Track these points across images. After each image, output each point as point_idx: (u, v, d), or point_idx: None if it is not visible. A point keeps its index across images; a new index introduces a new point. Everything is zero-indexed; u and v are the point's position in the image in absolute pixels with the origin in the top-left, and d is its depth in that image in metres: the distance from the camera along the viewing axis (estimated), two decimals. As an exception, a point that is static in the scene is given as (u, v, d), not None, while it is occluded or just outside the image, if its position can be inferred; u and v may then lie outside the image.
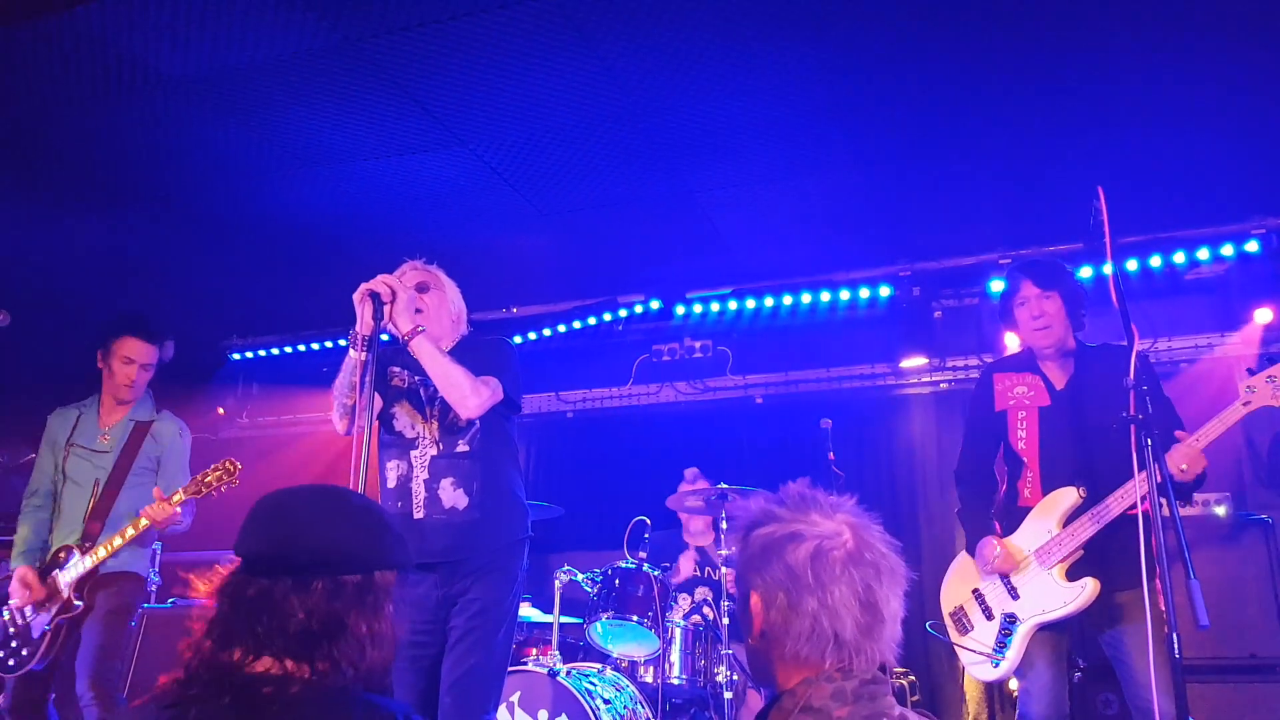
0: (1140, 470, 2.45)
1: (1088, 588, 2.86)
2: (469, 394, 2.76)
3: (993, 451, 3.23)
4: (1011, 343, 5.40)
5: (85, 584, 3.59)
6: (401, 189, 4.72)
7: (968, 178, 4.59)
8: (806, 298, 5.74)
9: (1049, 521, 2.98)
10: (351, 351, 2.70)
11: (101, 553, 3.56)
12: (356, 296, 2.65)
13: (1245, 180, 4.58)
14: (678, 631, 4.20)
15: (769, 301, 5.83)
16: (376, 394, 2.87)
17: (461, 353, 2.92)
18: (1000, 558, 2.99)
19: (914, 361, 5.58)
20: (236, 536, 1.53)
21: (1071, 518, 2.95)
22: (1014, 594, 2.99)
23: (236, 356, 7.01)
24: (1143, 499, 2.45)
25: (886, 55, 3.64)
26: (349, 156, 4.42)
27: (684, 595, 4.56)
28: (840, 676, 1.41)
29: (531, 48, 3.58)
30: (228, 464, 3.48)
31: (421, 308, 2.89)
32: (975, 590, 3.10)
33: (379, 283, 2.67)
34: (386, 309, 2.65)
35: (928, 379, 5.67)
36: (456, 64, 3.68)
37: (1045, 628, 2.93)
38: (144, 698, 1.45)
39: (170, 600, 5.27)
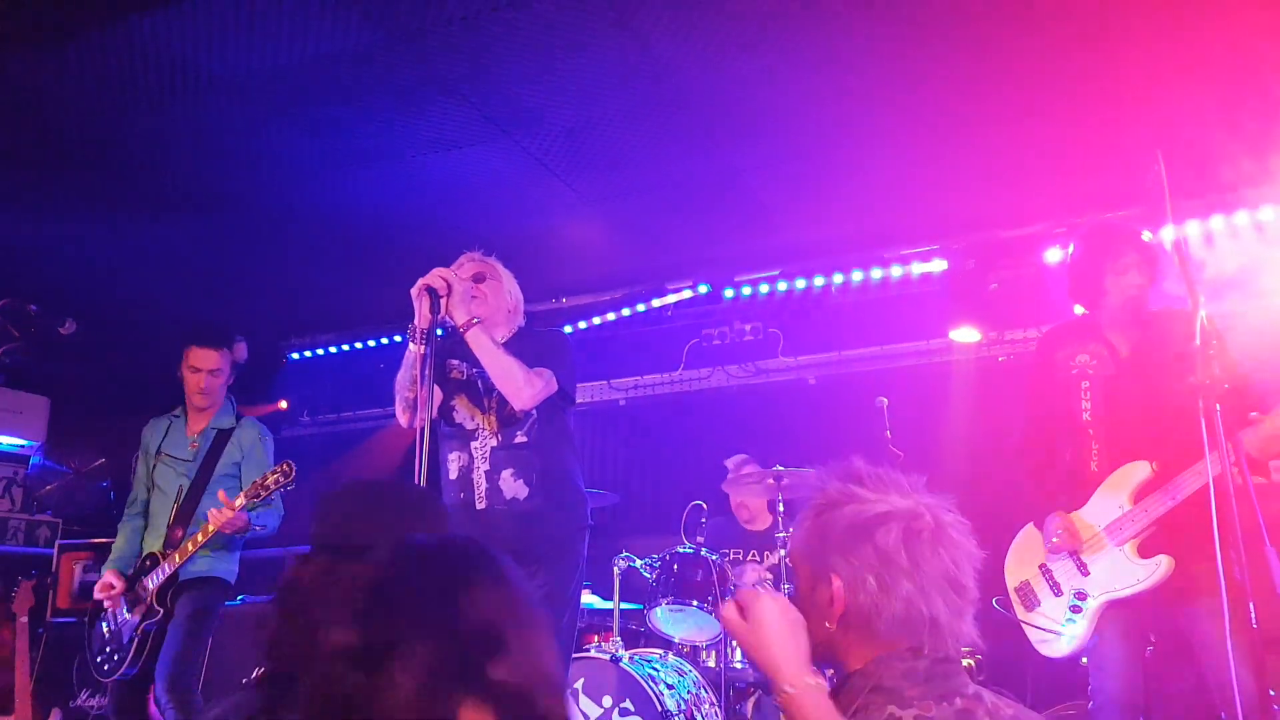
0: (1209, 438, 2.39)
1: (1162, 565, 2.79)
2: (523, 385, 2.79)
3: (1056, 423, 3.14)
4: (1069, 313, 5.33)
5: (168, 590, 3.69)
6: (449, 183, 4.76)
7: (1019, 146, 4.48)
8: (857, 275, 5.66)
9: (1120, 496, 2.90)
10: (411, 345, 2.75)
11: (178, 558, 3.65)
12: (414, 291, 2.69)
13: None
14: (739, 614, 4.19)
15: (819, 281, 5.77)
16: (436, 386, 2.93)
17: (518, 343, 2.95)
18: (1064, 536, 2.93)
19: (970, 335, 5.49)
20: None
21: (1143, 492, 2.88)
22: (1084, 570, 2.93)
23: (295, 356, 7.14)
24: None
25: (934, 26, 3.56)
26: (397, 154, 4.47)
27: (746, 573, 4.55)
28: (911, 656, 1.39)
29: (573, 37, 3.58)
30: (284, 466, 3.51)
31: (477, 296, 2.92)
32: (1042, 565, 3.04)
33: (435, 276, 2.71)
34: (443, 302, 2.69)
35: (985, 352, 5.57)
36: (500, 57, 3.70)
37: (1116, 604, 2.87)
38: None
39: (240, 597, 5.41)
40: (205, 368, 3.89)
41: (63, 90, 3.91)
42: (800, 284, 5.81)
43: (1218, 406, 2.37)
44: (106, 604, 3.78)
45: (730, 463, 5.04)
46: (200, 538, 3.61)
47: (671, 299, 6.08)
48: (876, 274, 5.62)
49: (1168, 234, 2.98)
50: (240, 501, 3.53)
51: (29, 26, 3.52)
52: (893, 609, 1.39)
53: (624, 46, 3.65)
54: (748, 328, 6.12)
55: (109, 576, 3.78)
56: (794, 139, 4.38)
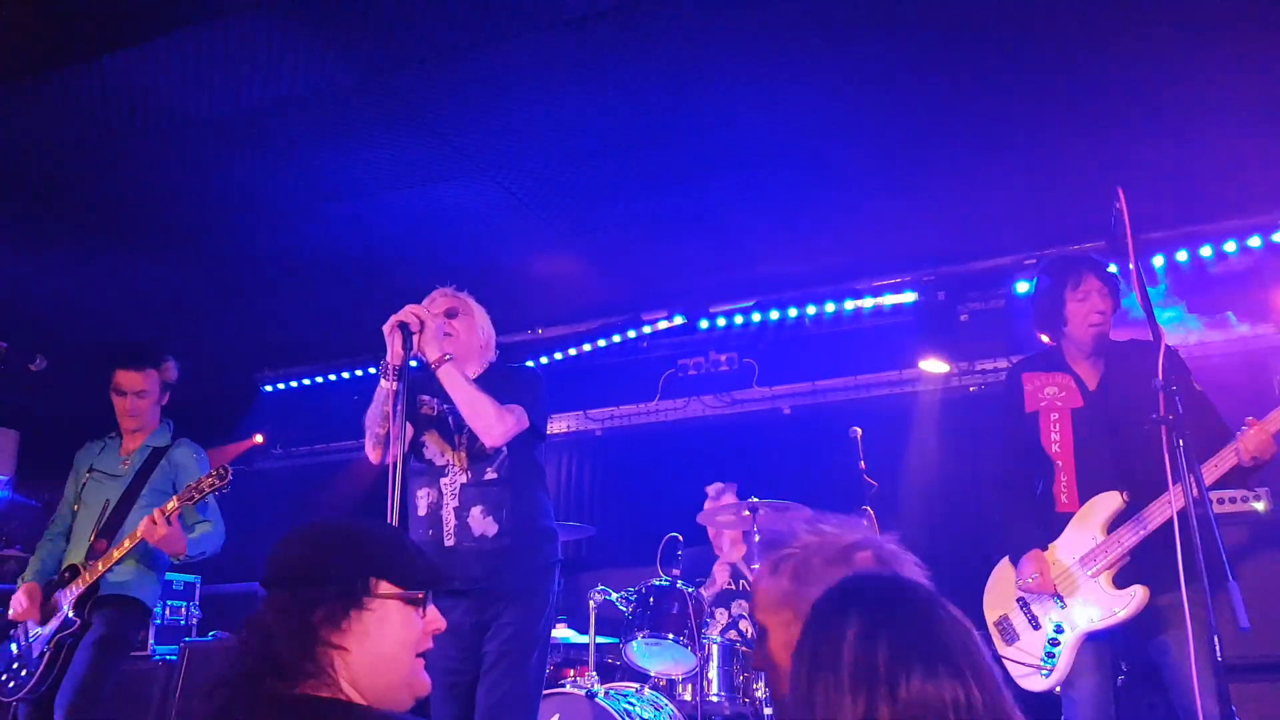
0: (1172, 471, 2.42)
1: (1137, 596, 2.81)
2: (494, 422, 2.79)
3: (1027, 454, 3.14)
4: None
5: (86, 602, 3.53)
6: (426, 218, 4.79)
7: (989, 181, 4.57)
8: (831, 306, 5.73)
9: (1092, 528, 2.92)
10: (383, 381, 2.75)
11: (100, 567, 3.51)
12: (386, 328, 2.69)
13: (1271, 172, 4.54)
14: (714, 648, 4.19)
15: (793, 312, 5.83)
16: (408, 422, 2.92)
17: (489, 379, 2.95)
18: (1039, 580, 2.93)
19: (941, 366, 5.55)
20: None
21: (1115, 523, 2.91)
22: (1061, 603, 2.95)
23: (269, 388, 7.11)
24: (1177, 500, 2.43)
25: (903, 64, 3.64)
26: (374, 189, 4.49)
27: (720, 610, 4.54)
28: None
29: (551, 75, 3.63)
30: (219, 469, 3.43)
31: (450, 332, 2.93)
32: (1020, 599, 3.05)
33: (407, 313, 2.71)
34: (415, 338, 2.69)
35: (956, 383, 5.63)
36: (476, 93, 3.74)
37: (1092, 636, 2.89)
38: None
39: (211, 633, 5.35)
40: (131, 389, 3.79)
41: (35, 128, 3.91)
42: (775, 315, 5.87)
43: (1180, 442, 2.41)
44: (14, 612, 3.59)
45: (711, 489, 5.06)
46: (127, 543, 3.47)
47: (647, 329, 6.12)
48: (849, 305, 5.69)
49: (1130, 267, 3.04)
50: (171, 505, 3.41)
51: (1, 65, 3.53)
52: None
53: (602, 85, 3.70)
54: (723, 358, 6.16)
55: (23, 590, 3.61)
56: (767, 172, 4.44)
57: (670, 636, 4.07)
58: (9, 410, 6.34)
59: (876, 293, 5.61)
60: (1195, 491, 2.36)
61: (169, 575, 5.41)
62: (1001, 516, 3.16)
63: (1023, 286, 5.27)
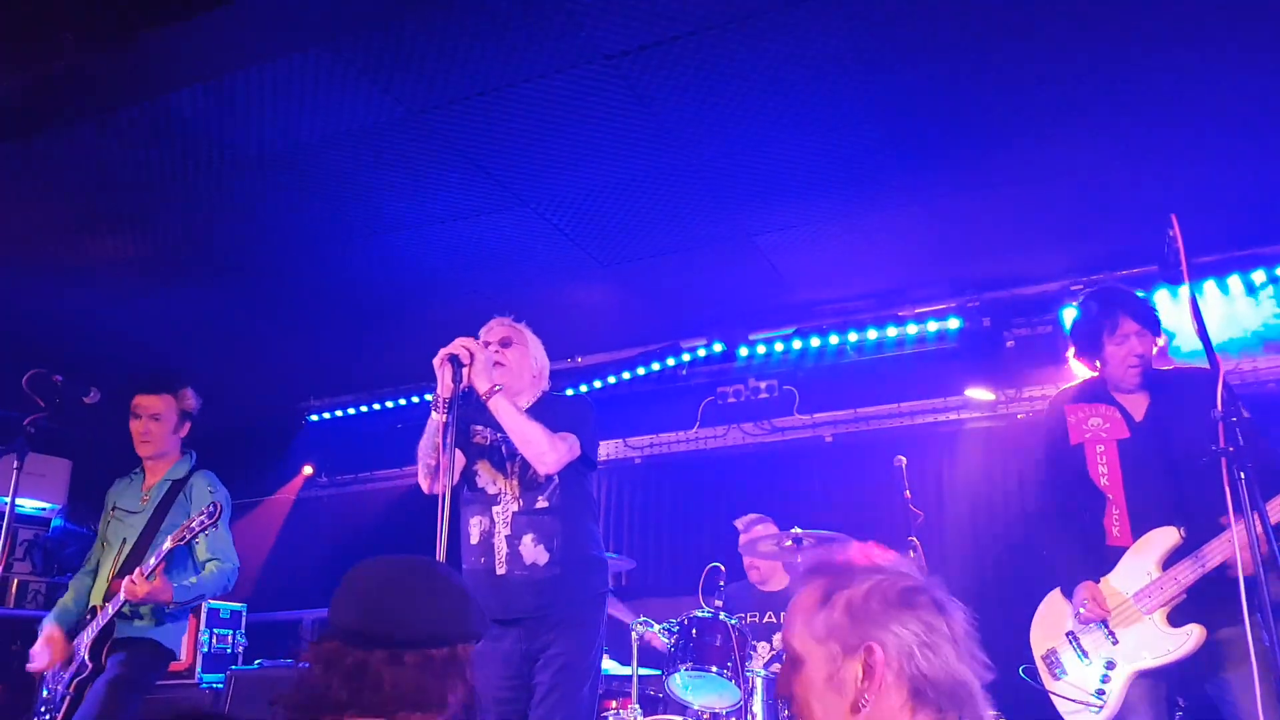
0: (1234, 504, 2.36)
1: (1193, 636, 2.73)
2: (546, 450, 2.81)
3: (1075, 486, 3.08)
4: (1078, 370, 5.29)
5: (101, 646, 3.49)
6: (469, 250, 4.85)
7: (1035, 205, 4.52)
8: (873, 333, 5.68)
9: (1147, 563, 2.86)
10: (434, 414, 2.77)
11: (110, 610, 3.46)
12: (436, 361, 2.72)
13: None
14: (759, 681, 4.13)
15: (834, 339, 5.78)
16: (459, 452, 2.95)
17: (541, 409, 2.98)
18: (1091, 606, 2.87)
19: (987, 394, 5.48)
20: (331, 603, 1.61)
21: (1171, 559, 2.84)
22: (1114, 639, 2.88)
23: (314, 418, 7.19)
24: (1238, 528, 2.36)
25: (945, 89, 3.62)
26: (418, 222, 4.57)
27: (763, 643, 4.49)
28: None
29: (588, 109, 3.67)
30: (207, 507, 3.40)
31: (503, 361, 2.96)
32: (1070, 633, 2.99)
33: (457, 345, 2.75)
34: (465, 371, 2.72)
35: (1003, 410, 5.55)
36: (516, 128, 3.80)
37: (1145, 673, 2.82)
38: None
39: (257, 661, 5.39)
40: (145, 413, 3.78)
41: (94, 164, 4.05)
42: (815, 342, 5.82)
43: (1242, 475, 2.35)
44: (38, 660, 3.57)
45: (740, 523, 4.97)
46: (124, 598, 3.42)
47: (686, 357, 6.11)
48: (892, 332, 5.63)
49: (1184, 294, 2.98)
50: (152, 562, 3.36)
51: (63, 104, 3.65)
52: (937, 676, 1.38)
53: (638, 117, 3.74)
54: (763, 385, 6.12)
55: (43, 639, 3.59)
56: (807, 198, 4.44)
57: (714, 669, 4.02)
58: (62, 440, 6.47)
59: (920, 319, 5.55)
60: (1259, 527, 2.30)
61: (213, 604, 5.49)
62: (1051, 548, 3.11)
63: (1070, 313, 5.19)
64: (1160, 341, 3.06)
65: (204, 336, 5.85)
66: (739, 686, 4.00)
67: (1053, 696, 2.96)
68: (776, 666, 4.22)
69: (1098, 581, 2.94)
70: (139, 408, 3.82)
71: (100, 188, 4.22)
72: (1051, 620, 3.08)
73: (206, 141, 3.87)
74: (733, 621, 4.13)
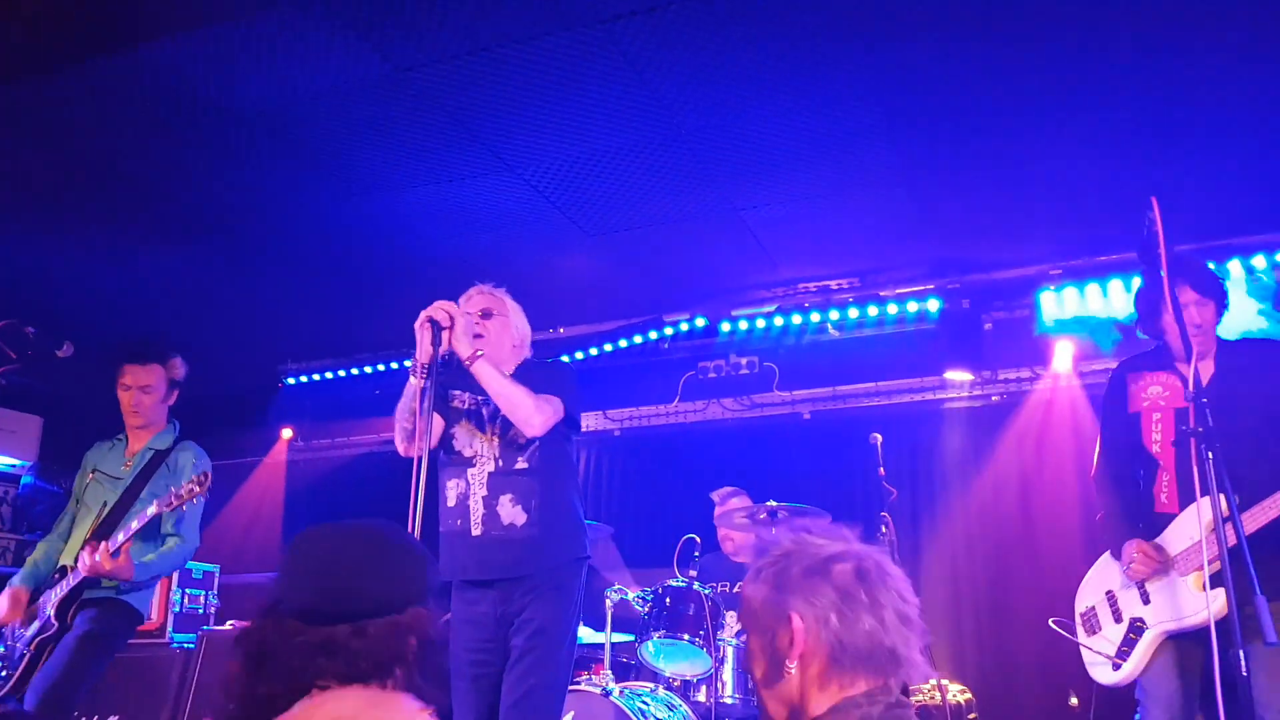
0: (1201, 485, 2.39)
1: (1218, 600, 2.65)
2: (533, 412, 2.81)
3: (1131, 454, 3.08)
4: (1060, 355, 5.31)
5: (69, 605, 3.45)
6: (452, 214, 4.82)
7: (1017, 189, 4.55)
8: (854, 312, 5.71)
9: (1191, 529, 2.85)
10: (412, 379, 2.76)
11: (81, 571, 3.39)
12: (417, 324, 2.70)
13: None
14: (729, 650, 4.18)
15: (815, 317, 5.81)
16: (438, 416, 2.93)
17: (522, 375, 2.96)
18: (1140, 559, 2.86)
19: (964, 375, 5.53)
20: (281, 579, 1.55)
21: (1216, 525, 2.85)
22: (1145, 598, 2.90)
23: (291, 381, 7.13)
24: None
25: (931, 70, 3.64)
26: (401, 185, 4.52)
27: (734, 613, 4.54)
28: (866, 701, 1.42)
29: (579, 74, 3.64)
30: (199, 476, 3.37)
31: (482, 332, 2.94)
32: (1109, 592, 3.02)
33: (437, 309, 2.72)
34: (445, 335, 2.70)
35: (979, 391, 5.62)
36: (505, 91, 3.76)
37: (1174, 636, 2.82)
38: None
39: (229, 622, 5.39)
40: (135, 384, 3.73)
41: (70, 115, 3.96)
42: (796, 319, 5.85)
43: (1210, 455, 2.37)
44: (5, 621, 3.53)
45: (716, 495, 5.03)
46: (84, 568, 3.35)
47: (669, 331, 6.12)
48: (873, 311, 5.66)
49: (1161, 276, 2.98)
50: (120, 538, 3.34)
51: (38, 52, 3.57)
52: (855, 643, 1.43)
53: (629, 85, 3.71)
54: (744, 361, 6.15)
55: (7, 594, 3.54)
56: (793, 177, 4.44)
57: (686, 637, 4.07)
58: (33, 396, 6.39)
59: (900, 299, 5.59)
60: (1224, 506, 2.33)
61: (190, 564, 5.46)
62: (1106, 516, 3.11)
63: (1047, 296, 5.25)
64: (1222, 310, 3.02)
65: (180, 295, 5.78)
66: (710, 655, 4.05)
67: (1082, 648, 3.01)
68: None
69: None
70: (129, 379, 3.77)
71: (74, 139, 4.13)
72: (1097, 580, 3.10)
73: (187, 95, 3.80)
74: (706, 591, 4.17)
